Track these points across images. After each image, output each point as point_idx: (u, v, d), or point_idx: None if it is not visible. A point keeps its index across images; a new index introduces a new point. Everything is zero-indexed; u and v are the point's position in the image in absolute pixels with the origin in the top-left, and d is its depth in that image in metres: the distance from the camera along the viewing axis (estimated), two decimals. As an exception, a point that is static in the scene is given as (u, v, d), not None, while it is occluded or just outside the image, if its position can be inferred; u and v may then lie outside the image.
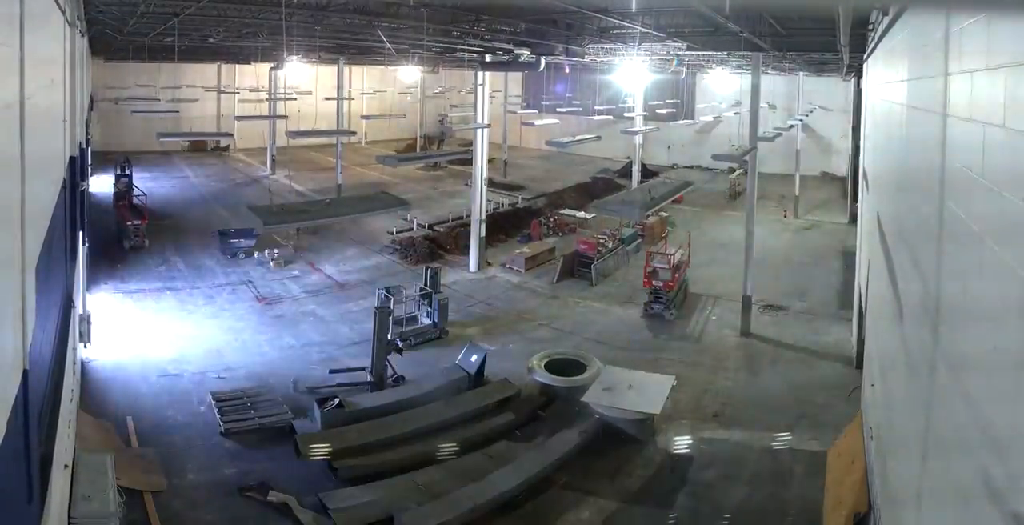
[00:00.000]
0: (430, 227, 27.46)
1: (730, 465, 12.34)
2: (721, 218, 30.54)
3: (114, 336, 16.25)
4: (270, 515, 10.48)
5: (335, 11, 16.04)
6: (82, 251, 13.76)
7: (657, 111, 35.39)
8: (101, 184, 30.55)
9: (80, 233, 12.46)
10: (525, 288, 21.94)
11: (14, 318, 3.95)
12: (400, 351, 15.70)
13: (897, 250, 7.49)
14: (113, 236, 24.62)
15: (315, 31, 19.10)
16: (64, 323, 7.85)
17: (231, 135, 23.91)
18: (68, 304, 9.05)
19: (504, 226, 27.99)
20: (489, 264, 23.90)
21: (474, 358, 14.81)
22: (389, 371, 14.83)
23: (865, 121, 16.92)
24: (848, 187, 30.66)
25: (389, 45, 20.46)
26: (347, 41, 23.59)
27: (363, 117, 36.75)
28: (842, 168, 35.35)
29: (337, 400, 13.12)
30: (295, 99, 37.04)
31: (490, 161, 27.32)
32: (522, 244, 26.01)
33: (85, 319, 12.83)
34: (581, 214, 27.81)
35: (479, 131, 23.81)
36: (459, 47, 22.27)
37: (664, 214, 29.42)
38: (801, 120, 31.08)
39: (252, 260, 23.27)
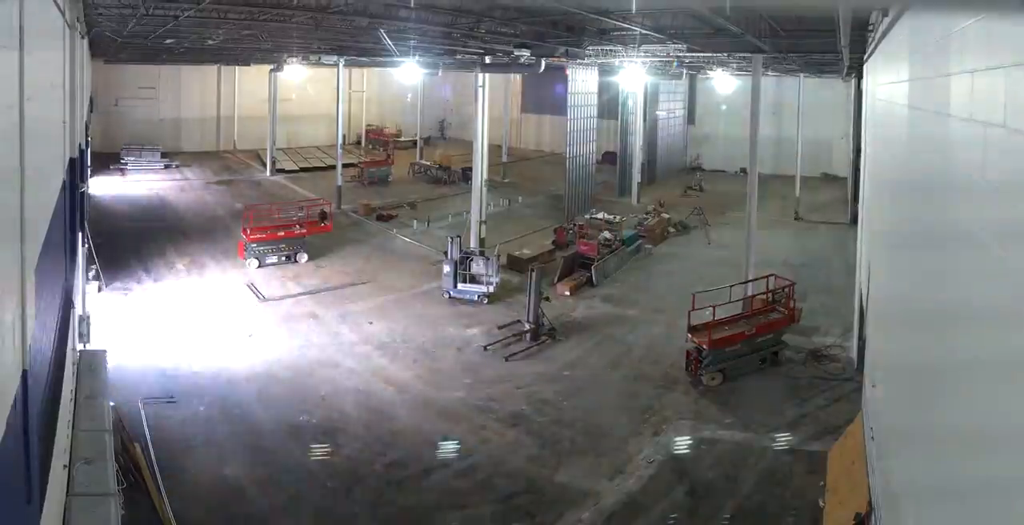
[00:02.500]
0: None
1: (730, 465, 12.33)
2: (721, 219, 30.46)
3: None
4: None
5: (335, 13, 16.02)
6: (82, 251, 13.76)
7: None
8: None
9: (80, 234, 12.46)
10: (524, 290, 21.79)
11: (14, 318, 3.95)
12: (548, 298, 18.62)
13: (898, 250, 7.49)
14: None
15: (315, 33, 19.08)
16: (64, 323, 7.84)
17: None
18: (68, 304, 9.05)
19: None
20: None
21: None
22: (544, 321, 17.65)
23: (865, 122, 16.91)
24: (849, 188, 30.60)
25: (391, 47, 20.45)
26: (347, 43, 23.59)
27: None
28: (843, 169, 35.28)
29: None
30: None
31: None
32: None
33: (85, 319, 12.80)
34: (609, 216, 27.18)
35: (479, 132, 23.79)
36: (459, 49, 22.27)
37: (665, 215, 29.37)
38: None
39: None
